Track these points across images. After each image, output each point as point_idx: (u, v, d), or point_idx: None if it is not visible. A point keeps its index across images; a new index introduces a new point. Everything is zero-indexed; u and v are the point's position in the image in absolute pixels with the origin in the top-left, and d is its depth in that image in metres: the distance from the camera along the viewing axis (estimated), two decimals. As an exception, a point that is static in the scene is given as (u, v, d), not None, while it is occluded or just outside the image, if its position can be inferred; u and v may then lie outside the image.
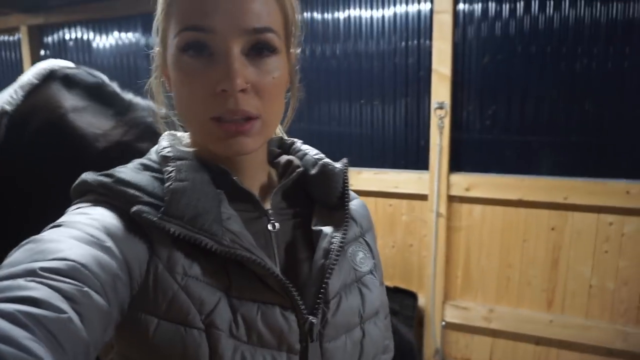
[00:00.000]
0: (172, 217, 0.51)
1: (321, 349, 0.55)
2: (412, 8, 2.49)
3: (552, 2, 2.25)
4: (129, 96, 1.06)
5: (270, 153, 0.68)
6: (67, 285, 0.40)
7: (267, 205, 0.61)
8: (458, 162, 2.48)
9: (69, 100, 1.01)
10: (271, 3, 0.54)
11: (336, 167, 0.66)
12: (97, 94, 1.03)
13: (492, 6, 2.35)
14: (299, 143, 0.71)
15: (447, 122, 2.42)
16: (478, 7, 2.37)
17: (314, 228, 0.62)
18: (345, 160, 0.68)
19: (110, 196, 0.52)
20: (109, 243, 0.47)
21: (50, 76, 1.05)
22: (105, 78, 1.10)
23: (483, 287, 2.52)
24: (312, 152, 0.69)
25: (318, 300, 0.55)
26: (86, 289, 0.41)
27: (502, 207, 2.42)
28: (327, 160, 0.67)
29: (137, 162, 0.59)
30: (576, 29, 2.23)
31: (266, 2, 0.53)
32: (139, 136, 0.98)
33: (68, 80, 1.04)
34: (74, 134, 0.96)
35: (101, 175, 0.54)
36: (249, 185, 0.60)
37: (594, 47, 2.21)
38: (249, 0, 0.52)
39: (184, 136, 0.66)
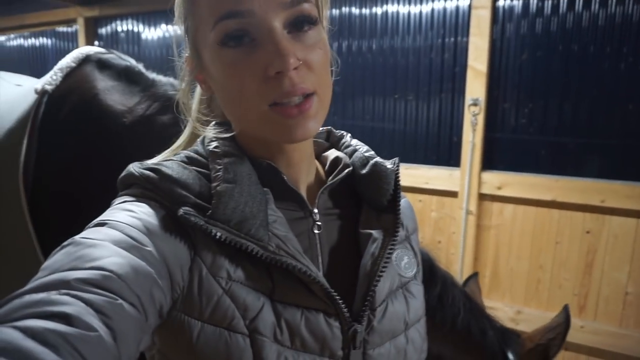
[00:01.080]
0: (218, 220, 0.49)
1: (364, 355, 0.54)
2: (451, 4, 2.47)
3: (597, -1, 2.18)
4: (152, 75, 1.13)
5: (318, 145, 0.66)
6: (100, 297, 0.39)
7: (313, 204, 0.59)
8: (491, 160, 2.45)
9: (101, 81, 1.10)
10: None
11: (388, 167, 0.62)
12: (125, 75, 1.12)
13: (533, 2, 2.30)
14: (348, 137, 0.68)
15: (480, 119, 2.40)
16: (519, 3, 2.33)
17: (361, 231, 0.59)
18: (396, 159, 0.64)
19: (157, 193, 0.51)
20: (150, 247, 0.46)
21: (85, 60, 1.16)
22: (132, 61, 1.19)
23: (512, 287, 2.48)
24: (362, 148, 0.65)
25: (364, 307, 0.54)
26: (120, 301, 0.40)
27: (534, 208, 2.38)
28: (378, 159, 0.63)
29: (183, 154, 0.57)
30: (622, 27, 2.15)
31: None
32: (160, 109, 1.04)
33: (101, 64, 1.15)
34: (105, 110, 1.06)
35: (147, 169, 0.52)
36: (295, 181, 0.58)
37: (640, 46, 2.13)
38: None
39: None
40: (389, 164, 0.63)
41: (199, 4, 0.51)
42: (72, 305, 0.37)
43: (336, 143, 0.68)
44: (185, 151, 0.58)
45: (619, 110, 2.19)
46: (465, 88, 2.44)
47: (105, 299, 0.40)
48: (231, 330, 0.48)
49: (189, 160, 0.56)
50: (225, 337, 0.48)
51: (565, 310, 1.03)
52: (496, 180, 2.43)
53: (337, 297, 0.52)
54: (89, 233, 0.46)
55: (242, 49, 0.50)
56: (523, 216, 2.42)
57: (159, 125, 1.01)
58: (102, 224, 0.47)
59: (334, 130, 0.69)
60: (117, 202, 0.52)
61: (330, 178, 0.61)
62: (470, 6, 2.40)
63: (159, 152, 0.62)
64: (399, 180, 0.62)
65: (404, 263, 0.60)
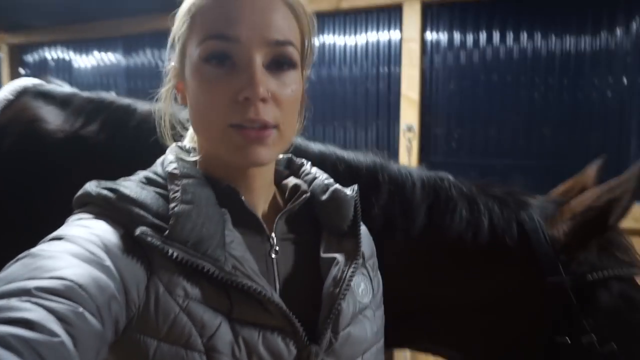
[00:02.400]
0: (175, 240, 0.50)
1: None
2: (383, 36, 2.63)
3: (511, 34, 2.42)
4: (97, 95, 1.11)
5: (278, 173, 0.67)
6: (62, 306, 0.39)
7: (271, 230, 0.60)
8: (426, 183, 2.58)
9: (41, 110, 1.07)
10: (291, 20, 0.56)
11: (348, 194, 0.64)
12: (67, 103, 1.09)
13: (456, 36, 2.51)
14: (308, 165, 0.70)
15: (415, 144, 2.53)
16: (444, 37, 2.52)
17: (323, 255, 0.60)
18: (355, 186, 0.67)
19: (114, 212, 0.51)
20: (108, 262, 0.46)
21: (24, 92, 1.13)
22: (74, 89, 1.17)
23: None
24: (322, 176, 0.67)
25: (325, 328, 0.55)
26: (81, 310, 0.41)
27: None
28: (338, 186, 0.65)
29: (142, 175, 0.58)
30: (533, 60, 2.39)
31: (287, 18, 0.55)
32: (85, 121, 1.02)
33: (40, 94, 1.12)
34: (46, 140, 1.03)
35: (104, 188, 0.53)
36: (254, 206, 0.59)
37: (550, 77, 2.38)
38: (273, 14, 0.53)
39: (190, 148, 0.65)
40: (348, 190, 0.66)
41: (196, 19, 0.55)
42: (34, 312, 0.37)
43: (296, 171, 0.70)
44: (143, 171, 0.59)
45: (535, 134, 2.41)
46: (399, 115, 2.57)
47: (67, 307, 0.40)
48: (188, 348, 0.48)
49: (147, 181, 0.57)
50: (182, 355, 0.48)
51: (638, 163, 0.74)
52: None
53: (294, 317, 0.53)
54: (46, 246, 0.46)
55: (222, 69, 0.53)
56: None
57: (82, 140, 0.99)
58: (58, 238, 0.47)
59: (295, 158, 0.72)
60: (73, 219, 0.52)
61: (289, 204, 0.63)
62: (401, 39, 2.57)
63: (94, 165, 0.62)
64: (358, 206, 0.64)
65: (361, 289, 0.62)
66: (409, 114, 2.54)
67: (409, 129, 2.54)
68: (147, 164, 0.92)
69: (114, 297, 0.45)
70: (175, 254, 0.49)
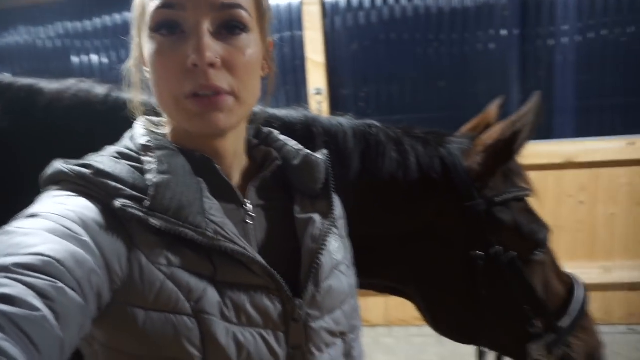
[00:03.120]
0: (156, 211, 0.50)
1: (306, 328, 0.58)
2: (282, 0, 2.59)
3: (404, -7, 2.53)
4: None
5: (247, 143, 0.67)
6: (41, 281, 0.39)
7: (245, 197, 0.61)
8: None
9: None
10: None
11: (318, 158, 0.67)
12: None
13: (354, -3, 2.56)
14: (276, 133, 0.70)
15: (325, 106, 2.59)
16: (343, -1, 2.56)
17: (299, 216, 0.63)
18: (325, 151, 0.70)
19: (90, 188, 0.51)
20: (86, 237, 0.46)
21: None
22: None
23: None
24: (291, 142, 0.69)
25: (307, 282, 0.58)
26: (61, 285, 0.40)
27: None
28: (308, 151, 0.67)
29: (112, 150, 0.57)
30: (426, 18, 2.54)
31: None
32: None
33: None
34: None
35: (78, 165, 0.52)
36: (227, 175, 0.60)
37: (441, 33, 2.55)
38: None
39: (159, 121, 0.64)
40: (319, 155, 0.68)
41: None
42: (13, 287, 0.37)
43: (265, 139, 0.70)
44: (113, 147, 0.58)
45: (433, 88, 2.60)
46: (307, 79, 2.60)
47: (45, 282, 0.39)
48: (177, 313, 0.50)
49: (120, 155, 0.56)
50: (172, 321, 0.49)
51: (536, 97, 0.87)
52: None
53: (277, 274, 0.55)
54: (21, 223, 0.45)
55: (172, 38, 0.53)
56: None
57: None
58: (34, 216, 0.46)
59: (262, 128, 0.72)
60: (46, 196, 0.51)
61: (262, 171, 0.64)
62: (301, 2, 2.55)
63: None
64: (330, 169, 0.68)
65: (335, 248, 0.65)
66: (316, 77, 2.58)
67: (318, 92, 2.58)
68: (64, 148, 0.85)
69: (93, 271, 0.45)
70: (158, 224, 0.50)
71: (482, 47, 2.58)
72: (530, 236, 0.89)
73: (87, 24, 2.77)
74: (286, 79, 2.66)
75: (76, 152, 0.84)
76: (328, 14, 2.58)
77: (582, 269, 2.17)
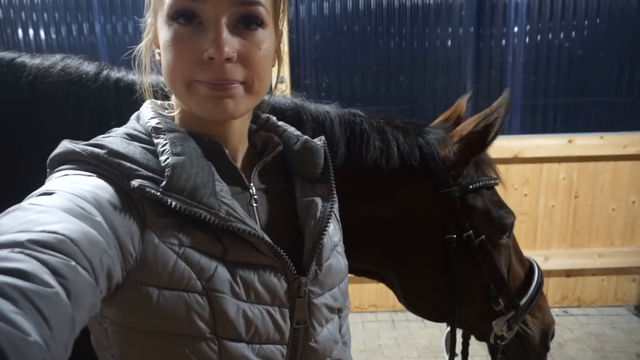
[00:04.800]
0: (172, 191, 0.51)
1: (309, 304, 0.61)
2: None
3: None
4: None
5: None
6: (55, 259, 0.39)
7: (250, 181, 0.63)
8: (301, 132, 2.71)
9: None
10: None
11: (318, 144, 0.69)
12: None
13: (319, -13, 2.57)
14: (274, 119, 0.72)
15: (288, 95, 2.60)
16: (307, -13, 2.57)
17: (301, 200, 0.65)
18: (322, 137, 0.72)
19: (104, 168, 0.51)
20: (99, 218, 0.46)
21: None
22: None
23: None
24: (290, 128, 0.70)
25: (310, 261, 0.60)
26: (73, 263, 0.40)
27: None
28: (307, 137, 0.69)
29: (121, 131, 0.57)
30: (388, 11, 2.60)
31: None
32: None
33: None
34: None
35: (90, 145, 0.52)
36: (233, 158, 0.62)
37: (402, 27, 2.62)
38: None
39: (165, 104, 0.65)
40: (317, 140, 0.71)
41: None
42: (27, 263, 0.37)
43: (263, 125, 0.72)
44: (120, 128, 0.59)
45: (393, 80, 2.68)
46: (270, 67, 2.60)
47: (60, 260, 0.39)
48: (189, 291, 0.51)
49: (129, 136, 0.56)
50: (184, 298, 0.51)
51: (506, 92, 0.95)
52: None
53: (283, 253, 0.58)
54: (36, 200, 0.45)
55: (189, 28, 0.53)
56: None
57: None
58: (49, 193, 0.46)
59: (260, 114, 0.73)
60: (58, 175, 0.51)
61: (264, 155, 0.66)
62: (265, -12, 2.54)
63: None
64: (328, 155, 0.70)
65: (332, 229, 0.67)
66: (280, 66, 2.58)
67: (281, 80, 2.58)
68: (53, 125, 0.81)
69: (105, 252, 0.45)
70: (174, 204, 0.51)
71: (440, 44, 2.68)
72: (499, 221, 0.97)
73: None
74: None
75: (66, 128, 0.81)
76: (292, 2, 2.58)
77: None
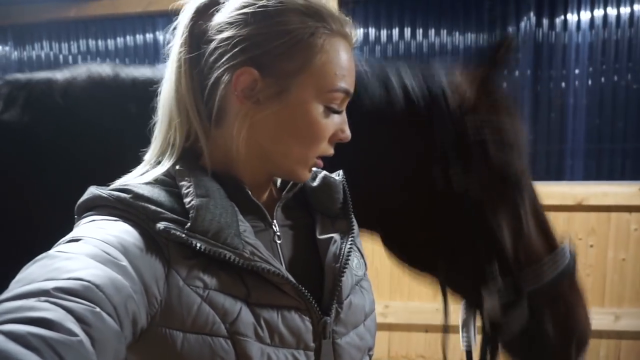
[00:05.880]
0: (197, 232, 0.52)
1: (334, 345, 0.60)
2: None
3: (420, 30, 2.59)
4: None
5: None
6: (79, 306, 0.40)
7: (272, 217, 0.64)
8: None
9: None
10: None
11: (336, 179, 0.70)
12: None
13: (372, 31, 2.63)
14: None
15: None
16: (360, 33, 2.63)
17: (320, 237, 0.65)
18: (340, 172, 0.73)
19: (129, 212, 0.52)
20: (125, 262, 0.47)
21: None
22: None
23: (377, 286, 2.74)
24: None
25: (332, 301, 0.60)
26: (98, 310, 0.41)
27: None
28: (325, 172, 0.71)
29: (144, 177, 0.59)
30: (440, 55, 2.60)
31: None
32: (4, 106, 0.96)
33: None
34: None
35: (116, 190, 0.54)
36: (257, 197, 0.63)
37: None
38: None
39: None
40: (335, 175, 0.71)
41: (317, 61, 0.57)
42: (52, 312, 0.38)
43: None
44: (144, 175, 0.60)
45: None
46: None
47: (85, 307, 0.40)
48: (214, 335, 0.51)
49: (154, 180, 0.58)
50: (209, 342, 0.51)
51: (508, 37, 0.90)
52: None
53: (307, 293, 0.57)
54: (63, 247, 0.47)
55: (335, 115, 0.61)
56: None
57: (9, 123, 0.94)
58: (76, 240, 0.48)
59: None
60: (85, 221, 0.53)
61: (285, 192, 0.67)
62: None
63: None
64: (347, 189, 0.71)
65: (355, 264, 0.67)
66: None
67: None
68: (81, 126, 0.90)
69: (130, 297, 0.46)
70: (199, 245, 0.51)
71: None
72: (506, 170, 0.87)
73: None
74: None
75: (91, 128, 0.90)
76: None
77: (592, 315, 2.14)
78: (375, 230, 0.97)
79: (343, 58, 0.58)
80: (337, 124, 0.61)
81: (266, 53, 0.55)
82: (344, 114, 0.62)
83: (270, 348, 0.54)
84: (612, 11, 2.51)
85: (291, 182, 0.68)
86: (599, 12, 2.52)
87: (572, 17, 2.55)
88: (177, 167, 0.58)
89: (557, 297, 0.89)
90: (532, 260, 0.88)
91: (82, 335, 0.38)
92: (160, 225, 0.51)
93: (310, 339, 0.58)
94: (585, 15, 2.54)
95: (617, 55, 2.53)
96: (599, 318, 2.36)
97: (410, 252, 0.97)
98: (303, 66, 0.56)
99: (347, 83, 0.59)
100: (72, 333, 0.38)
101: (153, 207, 0.52)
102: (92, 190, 0.55)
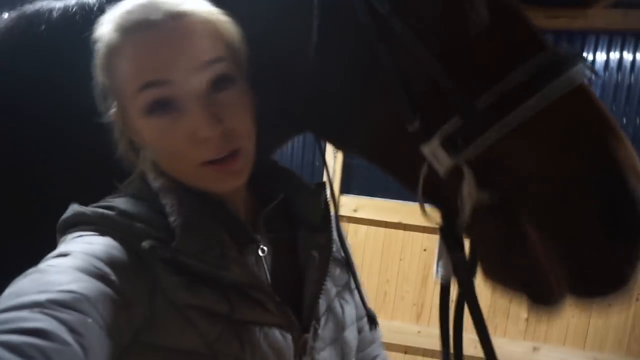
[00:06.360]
0: (182, 250, 0.52)
1: None
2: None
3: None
4: None
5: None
6: (72, 317, 0.41)
7: (256, 231, 0.63)
8: (348, 185, 2.69)
9: None
10: (210, 36, 0.55)
11: (318, 190, 0.68)
12: None
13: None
14: (279, 164, 0.72)
15: (341, 147, 2.61)
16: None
17: (301, 252, 0.65)
18: (323, 182, 0.70)
19: (116, 229, 0.52)
20: (113, 277, 0.48)
21: None
22: None
23: (363, 301, 2.73)
24: (289, 174, 0.70)
25: (310, 318, 0.60)
26: (90, 321, 0.42)
27: (383, 229, 2.68)
28: (306, 182, 0.69)
29: (127, 193, 0.58)
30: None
31: (206, 36, 0.54)
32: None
33: None
34: None
35: (101, 207, 0.54)
36: (236, 210, 0.62)
37: None
38: (190, 39, 0.53)
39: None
40: (317, 187, 0.69)
41: (119, 68, 0.54)
42: (46, 322, 0.39)
43: (268, 170, 0.71)
44: (127, 190, 0.60)
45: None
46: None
47: (77, 318, 0.41)
48: (195, 354, 0.51)
49: (136, 197, 0.57)
50: None
51: None
52: (352, 203, 2.66)
53: (290, 313, 0.58)
54: (53, 262, 0.48)
55: (169, 116, 0.53)
56: (374, 236, 2.69)
57: None
58: (64, 255, 0.49)
59: (264, 158, 0.71)
60: (72, 237, 0.53)
61: (267, 208, 0.65)
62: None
63: None
64: (327, 201, 0.68)
65: (337, 274, 0.67)
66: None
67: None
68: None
69: (120, 310, 0.47)
70: (185, 262, 0.52)
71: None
72: None
73: None
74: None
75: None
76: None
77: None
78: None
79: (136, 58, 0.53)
80: (183, 126, 0.52)
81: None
82: (191, 107, 0.51)
83: None
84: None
85: (271, 195, 0.66)
86: (614, 55, 2.52)
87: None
88: (159, 184, 0.58)
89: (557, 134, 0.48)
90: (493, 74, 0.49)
91: (76, 346, 0.39)
92: (146, 244, 0.51)
93: (291, 355, 0.57)
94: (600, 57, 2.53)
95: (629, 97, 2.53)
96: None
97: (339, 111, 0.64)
98: (110, 76, 0.56)
99: (143, 75, 0.52)
100: (66, 343, 0.39)
101: (138, 225, 0.53)
102: (76, 208, 0.54)
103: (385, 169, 0.65)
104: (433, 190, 0.56)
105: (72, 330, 0.40)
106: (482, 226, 0.52)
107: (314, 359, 0.60)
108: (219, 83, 0.54)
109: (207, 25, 0.55)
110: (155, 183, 0.58)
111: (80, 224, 0.54)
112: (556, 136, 0.48)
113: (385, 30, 0.53)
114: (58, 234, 0.55)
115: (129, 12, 0.54)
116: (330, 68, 0.60)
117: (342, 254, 0.72)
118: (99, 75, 0.57)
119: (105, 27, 0.55)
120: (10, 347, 0.36)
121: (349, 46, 0.58)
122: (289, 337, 0.57)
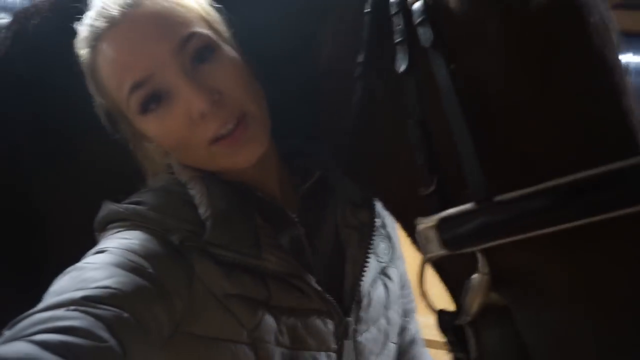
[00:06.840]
0: (215, 241, 0.52)
1: (355, 343, 0.59)
2: None
3: None
4: None
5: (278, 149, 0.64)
6: (108, 312, 0.41)
7: (293, 211, 0.60)
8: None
9: None
10: (176, 13, 0.53)
11: None
12: None
13: None
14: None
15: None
16: None
17: (342, 230, 0.63)
18: None
19: (149, 223, 0.53)
20: (150, 269, 0.48)
21: None
22: None
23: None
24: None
25: (351, 301, 0.59)
26: (126, 315, 0.42)
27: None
28: None
29: (158, 186, 0.59)
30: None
31: (171, 15, 0.52)
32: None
33: None
34: None
35: (130, 203, 0.55)
36: (270, 192, 0.59)
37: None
38: (155, 25, 0.51)
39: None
40: None
41: (103, 85, 0.54)
42: (82, 320, 0.40)
43: (300, 150, 0.69)
44: (156, 183, 0.60)
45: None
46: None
47: (112, 313, 0.42)
48: (236, 342, 0.51)
49: (166, 191, 0.57)
50: (230, 349, 0.51)
51: None
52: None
53: (330, 298, 0.57)
54: (90, 259, 0.48)
55: (163, 107, 0.52)
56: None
57: None
58: (101, 251, 0.49)
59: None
60: (108, 234, 0.53)
61: (304, 184, 0.63)
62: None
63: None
64: None
65: (381, 249, 0.65)
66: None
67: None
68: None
69: (156, 303, 0.47)
70: (217, 254, 0.52)
71: None
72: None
73: None
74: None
75: None
76: None
77: None
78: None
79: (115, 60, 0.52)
80: (179, 111, 0.51)
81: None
82: (180, 89, 0.50)
83: (290, 352, 0.54)
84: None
85: (308, 172, 0.63)
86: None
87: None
88: (186, 176, 0.57)
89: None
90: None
91: (112, 341, 0.40)
92: (177, 237, 0.52)
93: (332, 340, 0.57)
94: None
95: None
96: None
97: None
98: (100, 91, 0.56)
99: (124, 79, 0.51)
100: (101, 339, 0.39)
101: (169, 219, 0.53)
102: (108, 206, 0.55)
103: (392, 215, 0.60)
104: (438, 267, 0.49)
105: (108, 326, 0.41)
106: (487, 333, 0.42)
107: (356, 341, 0.59)
108: (200, 55, 0.52)
109: (170, 3, 0.53)
110: (183, 175, 0.57)
111: (116, 220, 0.55)
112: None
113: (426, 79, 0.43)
114: (96, 232, 0.56)
115: (90, 21, 0.53)
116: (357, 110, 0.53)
117: (387, 228, 0.69)
118: (96, 98, 0.57)
119: (79, 45, 0.55)
120: (48, 346, 0.37)
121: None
122: (329, 322, 0.57)
